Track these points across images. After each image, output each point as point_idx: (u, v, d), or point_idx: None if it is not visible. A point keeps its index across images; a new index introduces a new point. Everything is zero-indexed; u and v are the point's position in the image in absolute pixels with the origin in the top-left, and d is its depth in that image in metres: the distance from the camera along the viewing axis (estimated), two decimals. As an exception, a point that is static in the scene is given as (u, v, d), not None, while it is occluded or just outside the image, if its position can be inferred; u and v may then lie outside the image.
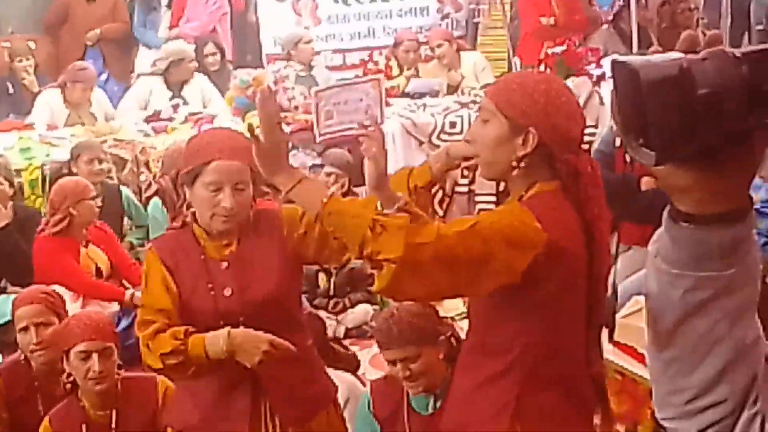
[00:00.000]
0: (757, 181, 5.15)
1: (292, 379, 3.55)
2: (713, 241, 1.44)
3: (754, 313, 1.51)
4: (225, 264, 3.49)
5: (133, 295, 6.51)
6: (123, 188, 7.55)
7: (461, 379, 3.23)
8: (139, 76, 9.38)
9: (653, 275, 1.51)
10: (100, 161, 7.32)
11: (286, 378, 3.54)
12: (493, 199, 7.87)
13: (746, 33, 12.00)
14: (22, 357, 4.76)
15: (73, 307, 6.20)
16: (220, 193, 3.39)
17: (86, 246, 6.65)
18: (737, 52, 1.38)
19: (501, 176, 3.08)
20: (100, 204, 6.64)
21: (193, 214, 3.54)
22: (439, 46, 9.73)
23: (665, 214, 1.47)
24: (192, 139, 3.65)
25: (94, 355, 4.21)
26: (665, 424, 1.56)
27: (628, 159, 6.15)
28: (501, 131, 2.98)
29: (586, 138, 8.28)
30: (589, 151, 7.98)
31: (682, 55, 1.40)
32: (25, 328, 4.70)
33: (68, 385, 4.29)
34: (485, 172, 3.11)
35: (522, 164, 2.98)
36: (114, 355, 4.30)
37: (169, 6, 10.83)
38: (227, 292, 3.47)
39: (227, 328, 3.38)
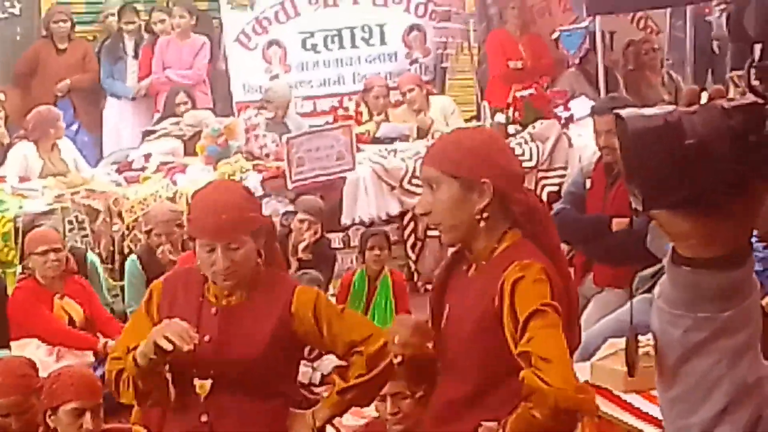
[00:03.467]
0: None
1: None
2: (710, 284, 1.49)
3: (757, 354, 1.54)
4: (214, 310, 3.51)
5: (106, 343, 6.55)
6: (89, 254, 7.52)
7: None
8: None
9: (656, 315, 1.57)
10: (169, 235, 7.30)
11: None
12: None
13: (708, 72, 12.16)
14: None
15: (48, 360, 6.20)
16: (214, 254, 3.41)
17: (61, 298, 6.70)
18: (726, 104, 1.44)
19: (466, 235, 3.11)
20: (54, 258, 6.62)
21: None
22: (410, 90, 9.80)
23: (667, 256, 1.53)
24: (194, 199, 3.66)
25: (87, 414, 4.21)
26: None
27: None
28: (454, 193, 3.05)
29: (557, 179, 8.46)
30: (560, 192, 8.07)
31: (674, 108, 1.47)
32: (6, 415, 4.67)
33: None
34: (450, 237, 3.15)
35: (485, 215, 3.04)
36: (101, 411, 4.30)
37: (135, 56, 10.85)
38: (206, 338, 3.45)
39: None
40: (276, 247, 3.71)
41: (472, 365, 3.11)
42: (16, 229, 7.53)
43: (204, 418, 3.50)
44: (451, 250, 3.34)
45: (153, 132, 9.53)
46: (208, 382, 3.48)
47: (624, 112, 1.45)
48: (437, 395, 3.26)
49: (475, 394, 3.11)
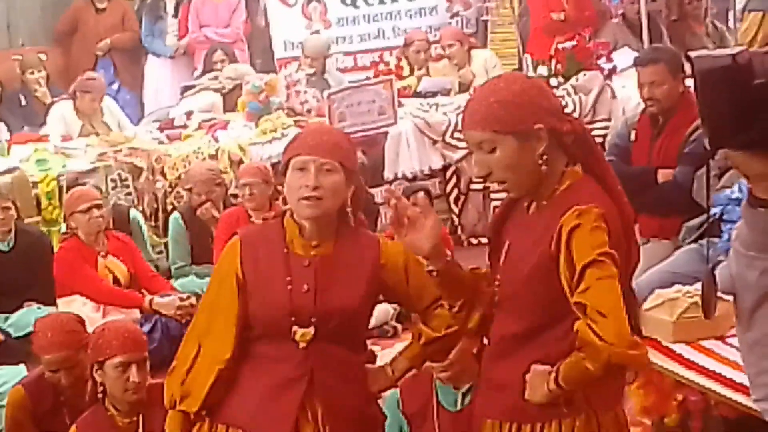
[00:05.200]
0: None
1: (346, 393, 3.51)
2: None
3: None
4: (307, 261, 3.46)
5: (152, 300, 6.59)
6: (133, 211, 7.57)
7: (502, 366, 3.17)
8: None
9: (733, 258, 1.55)
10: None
11: (340, 389, 3.49)
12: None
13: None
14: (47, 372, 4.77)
15: (94, 316, 6.24)
16: (305, 174, 3.37)
17: (105, 256, 6.71)
18: None
19: (533, 184, 3.07)
20: (97, 215, 6.63)
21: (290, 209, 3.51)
22: (450, 45, 9.74)
23: (744, 199, 1.51)
24: (296, 135, 3.64)
25: (133, 367, 4.23)
26: (758, 405, 1.59)
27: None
28: (513, 149, 3.01)
29: (601, 132, 8.40)
30: (603, 143, 8.01)
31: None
32: (56, 371, 4.70)
33: (100, 395, 4.30)
34: (519, 191, 3.11)
35: (545, 158, 3.01)
36: (147, 365, 4.33)
37: (175, 15, 10.85)
38: (304, 288, 3.43)
39: None
40: (359, 205, 3.59)
41: (528, 304, 3.09)
42: (60, 188, 7.56)
43: (301, 370, 3.46)
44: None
45: (192, 87, 9.55)
46: (310, 330, 3.44)
47: (694, 53, 1.42)
48: (494, 330, 3.24)
49: (530, 332, 3.10)
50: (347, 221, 3.52)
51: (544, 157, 3.01)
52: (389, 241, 3.55)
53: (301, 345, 3.45)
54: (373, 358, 3.72)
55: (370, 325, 6.81)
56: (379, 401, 3.76)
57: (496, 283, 3.20)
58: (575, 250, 2.90)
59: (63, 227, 7.20)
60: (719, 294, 2.97)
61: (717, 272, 2.29)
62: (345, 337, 3.48)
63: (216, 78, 9.48)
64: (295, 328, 3.44)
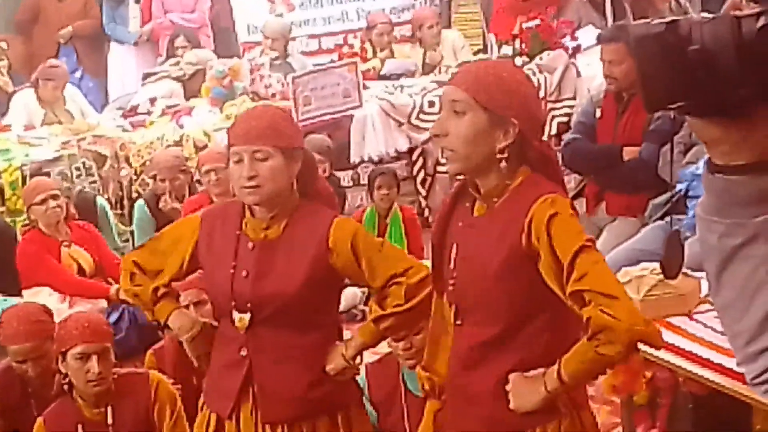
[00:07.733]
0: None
1: (285, 376, 3.51)
2: (741, 190, 1.51)
3: None
4: (251, 245, 3.49)
5: (118, 290, 6.52)
6: (99, 199, 7.52)
7: (474, 376, 3.07)
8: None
9: (697, 223, 1.59)
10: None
11: (278, 373, 3.51)
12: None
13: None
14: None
15: (61, 307, 6.19)
16: (242, 164, 3.41)
17: (68, 246, 6.67)
18: (739, 13, 1.43)
19: (477, 169, 2.97)
20: (54, 205, 6.58)
21: None
22: (429, 27, 9.70)
23: (703, 164, 1.55)
24: (232, 123, 3.66)
25: (93, 357, 4.20)
26: (740, 369, 1.63)
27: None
28: (480, 124, 2.91)
29: (566, 110, 8.39)
30: (569, 123, 8.02)
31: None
32: (23, 361, 4.66)
33: (65, 386, 4.27)
34: (459, 166, 2.98)
35: (505, 155, 2.92)
36: (111, 355, 4.29)
37: (136, 0, 10.76)
38: (243, 273, 3.46)
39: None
40: (318, 181, 3.65)
41: (499, 307, 2.98)
42: (24, 178, 7.50)
43: (243, 352, 3.50)
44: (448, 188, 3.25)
45: (153, 74, 9.48)
46: (245, 316, 3.47)
47: (632, 23, 1.45)
48: (458, 340, 3.11)
49: (501, 337, 2.99)
50: (304, 200, 3.53)
51: (506, 153, 2.92)
52: (342, 220, 3.52)
53: (240, 330, 3.49)
54: (339, 337, 3.69)
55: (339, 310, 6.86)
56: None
57: (450, 288, 3.09)
58: (558, 239, 2.82)
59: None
60: (684, 269, 2.96)
61: (686, 246, 2.29)
62: (286, 322, 3.47)
63: (177, 64, 9.41)
64: (234, 313, 3.49)
